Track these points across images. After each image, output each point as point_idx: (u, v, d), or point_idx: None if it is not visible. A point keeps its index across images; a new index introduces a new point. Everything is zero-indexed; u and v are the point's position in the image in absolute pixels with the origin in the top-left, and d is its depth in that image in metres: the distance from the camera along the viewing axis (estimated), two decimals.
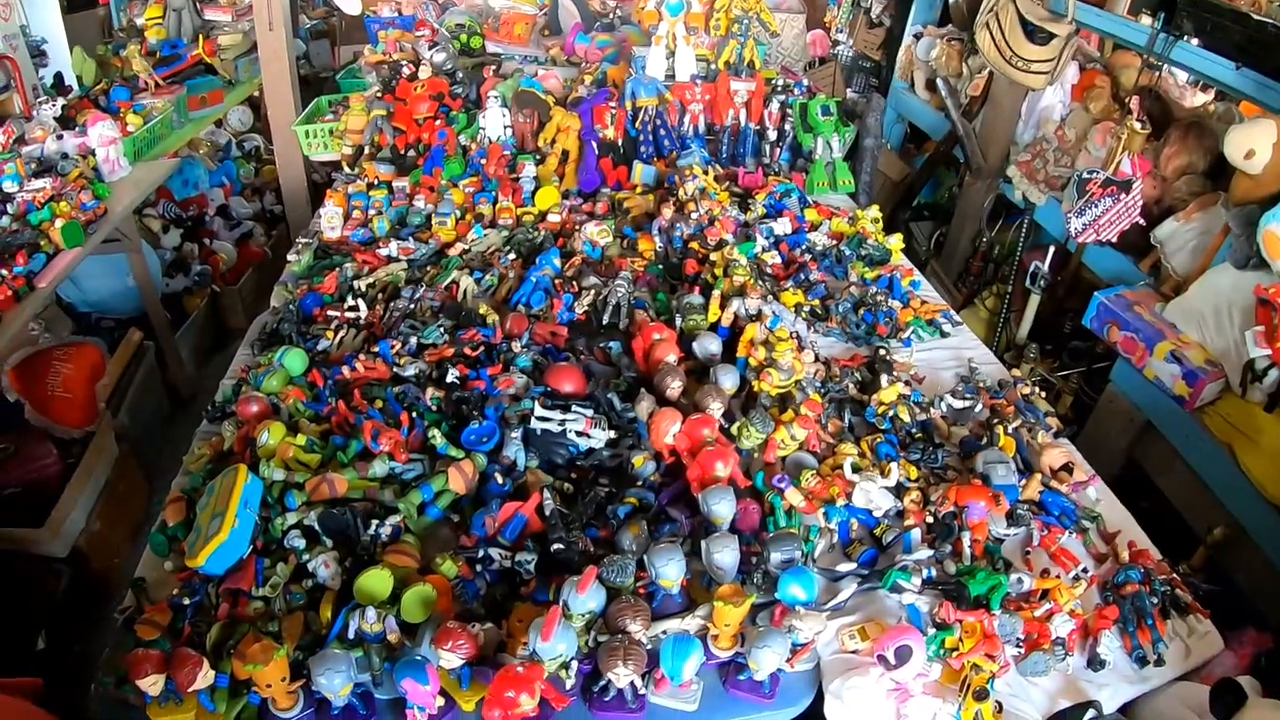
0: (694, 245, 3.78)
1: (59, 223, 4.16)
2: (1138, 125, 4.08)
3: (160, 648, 2.21)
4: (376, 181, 4.40)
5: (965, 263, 5.57)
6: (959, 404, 3.16)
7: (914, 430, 3.02)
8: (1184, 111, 4.56)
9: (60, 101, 5.23)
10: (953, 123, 5.46)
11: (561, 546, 2.48)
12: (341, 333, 3.41)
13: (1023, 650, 2.33)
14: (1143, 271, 4.28)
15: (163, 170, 5.08)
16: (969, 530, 2.59)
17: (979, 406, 3.15)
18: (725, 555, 2.37)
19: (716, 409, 2.88)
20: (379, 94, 4.70)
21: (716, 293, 3.41)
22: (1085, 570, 2.58)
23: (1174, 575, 2.60)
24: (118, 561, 4.64)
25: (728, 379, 3.04)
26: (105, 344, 4.81)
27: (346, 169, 4.65)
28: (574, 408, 2.91)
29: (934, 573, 2.50)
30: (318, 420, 2.95)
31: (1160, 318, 3.88)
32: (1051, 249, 4.68)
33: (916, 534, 2.63)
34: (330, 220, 4.16)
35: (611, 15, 5.70)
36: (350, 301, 3.53)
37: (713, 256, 3.65)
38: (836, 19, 7.26)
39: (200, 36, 6.33)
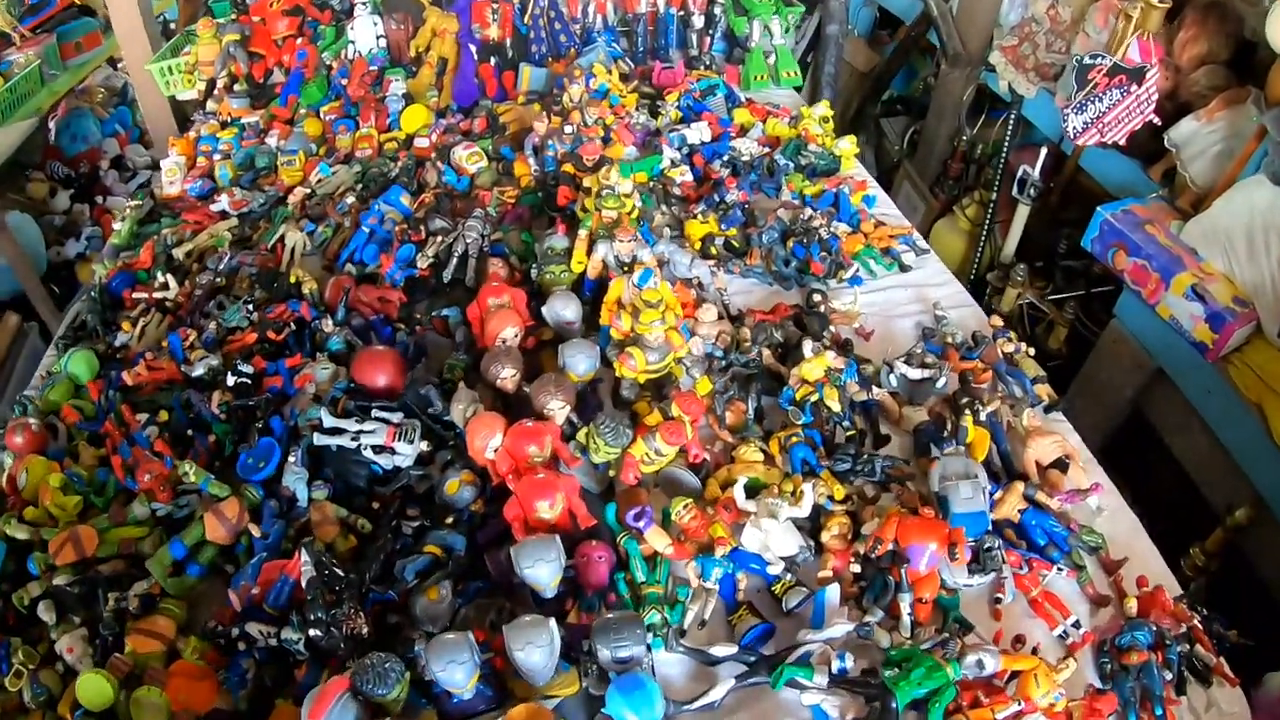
0: (567, 167, 2.76)
1: None
2: None
3: None
4: (230, 119, 3.40)
5: (943, 164, 4.48)
6: (915, 374, 2.20)
7: (844, 422, 2.06)
8: None
9: None
10: (925, 2, 4.31)
11: (320, 634, 1.63)
12: (145, 320, 2.51)
13: None
14: (1154, 180, 3.27)
15: (14, 137, 4.17)
16: (909, 590, 1.69)
17: (943, 379, 2.18)
18: (532, 654, 1.51)
19: (557, 409, 1.95)
20: (232, 16, 3.64)
21: (582, 233, 2.41)
22: (1077, 624, 1.76)
23: (1194, 622, 1.78)
24: None
25: (580, 361, 2.08)
26: None
27: (204, 108, 3.62)
28: (375, 412, 2.00)
29: (849, 663, 1.57)
30: (99, 442, 2.16)
31: (1178, 241, 2.92)
32: (1044, 151, 3.62)
33: (834, 593, 1.74)
34: (170, 173, 3.21)
35: None
36: (160, 278, 2.62)
37: (586, 182, 2.63)
38: None
39: None
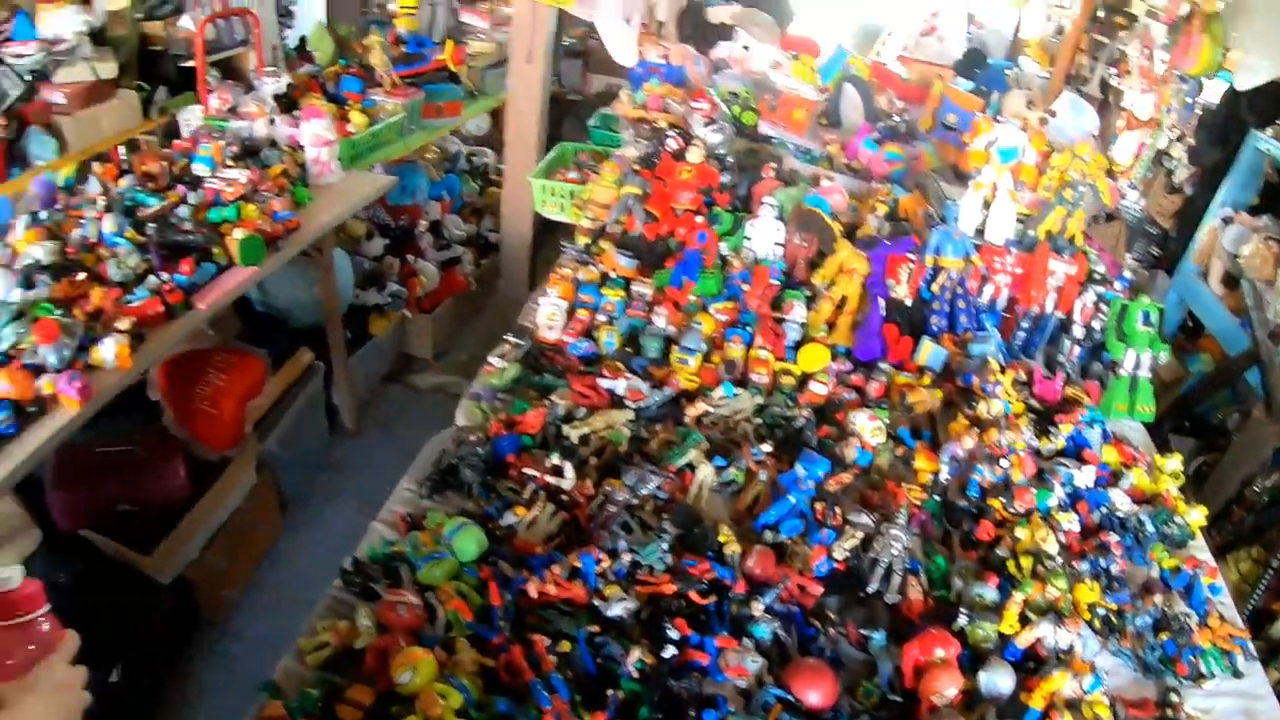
0: (995, 503, 2.80)
1: (238, 233, 3.37)
2: None
3: None
4: (613, 275, 3.45)
5: (1226, 505, 4.46)
6: None
7: None
8: None
9: (285, 79, 4.45)
10: (1255, 341, 4.34)
11: None
12: (536, 508, 2.48)
13: None
14: None
15: (376, 187, 4.29)
16: None
17: None
18: None
19: None
20: (635, 166, 3.74)
21: (1019, 597, 2.45)
22: None
23: None
24: (229, 594, 3.98)
25: None
26: (270, 356, 4.04)
27: (579, 244, 3.68)
28: None
29: None
30: (482, 647, 2.08)
31: None
32: None
33: None
34: (550, 316, 3.24)
35: (899, 119, 4.69)
36: (554, 459, 2.59)
37: (1019, 531, 2.68)
38: (1131, 170, 6.10)
39: (450, 40, 5.49)
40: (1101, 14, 7.25)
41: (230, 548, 3.89)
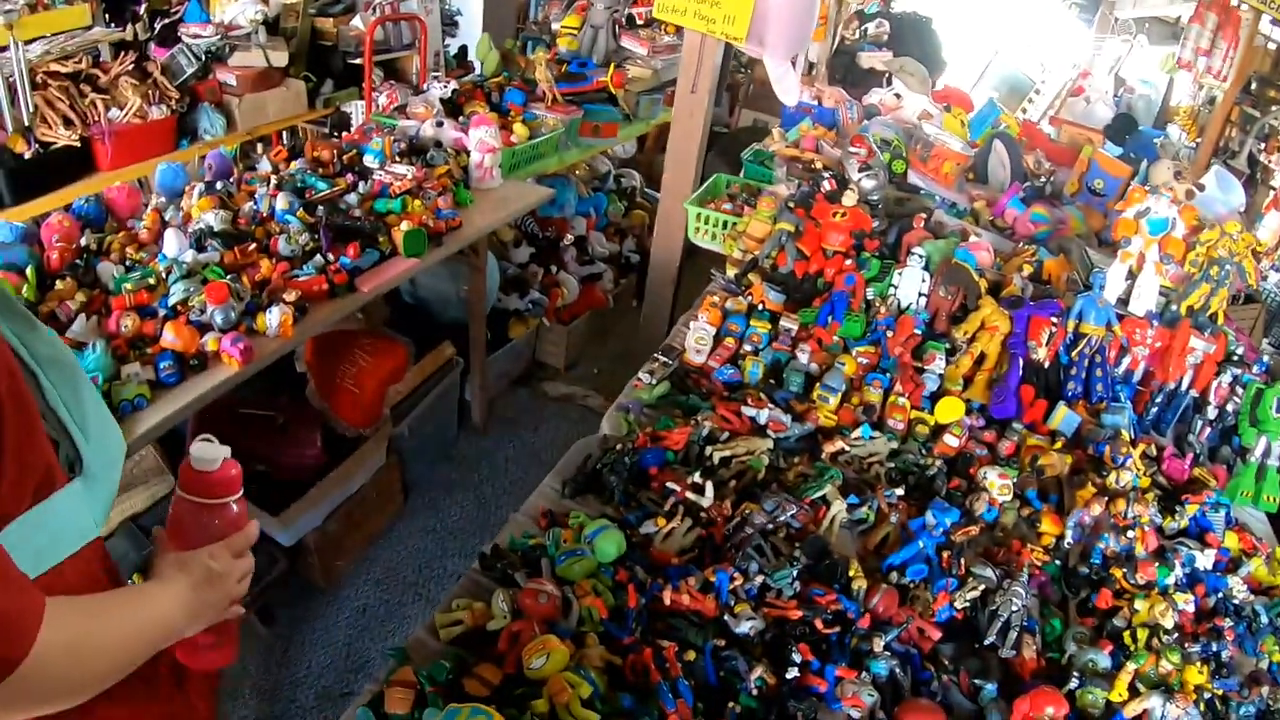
0: (1117, 573, 2.89)
1: (404, 225, 3.63)
2: None
3: None
4: (760, 307, 3.61)
5: None
6: None
7: None
8: None
9: (452, 85, 4.73)
10: None
11: None
12: (675, 521, 2.65)
13: None
14: None
15: (535, 197, 4.56)
16: None
17: None
18: None
19: None
20: (790, 203, 3.89)
21: (1131, 667, 2.54)
22: None
23: None
24: (343, 564, 4.21)
25: None
26: (413, 345, 4.31)
27: (729, 274, 3.86)
28: None
29: None
30: (610, 645, 2.23)
31: None
32: None
33: None
34: (698, 340, 3.44)
35: (1044, 180, 4.75)
36: (696, 477, 2.76)
37: (1138, 604, 2.77)
38: (1276, 252, 6.02)
39: (611, 64, 5.79)
40: (1254, 86, 7.20)
41: (350, 521, 4.16)
